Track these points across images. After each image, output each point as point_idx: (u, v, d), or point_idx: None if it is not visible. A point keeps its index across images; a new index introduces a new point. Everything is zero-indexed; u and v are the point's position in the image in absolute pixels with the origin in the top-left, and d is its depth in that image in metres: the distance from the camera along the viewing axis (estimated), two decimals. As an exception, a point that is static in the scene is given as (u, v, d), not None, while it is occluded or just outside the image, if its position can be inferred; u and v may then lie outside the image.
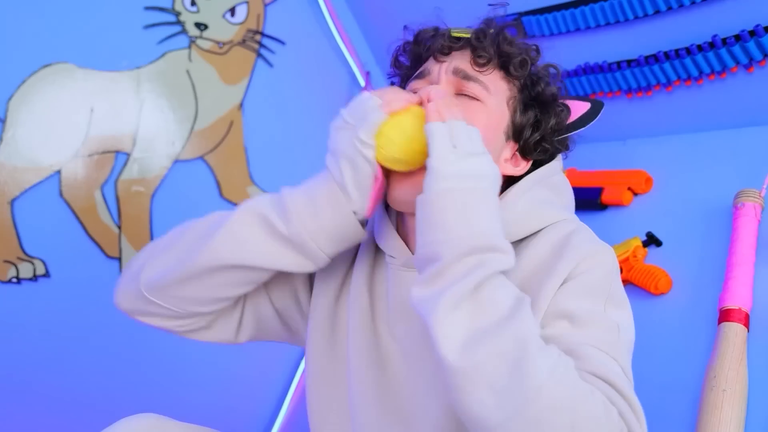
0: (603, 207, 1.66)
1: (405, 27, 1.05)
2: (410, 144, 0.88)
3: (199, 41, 2.05)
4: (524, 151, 1.00)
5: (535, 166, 1.02)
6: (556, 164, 1.03)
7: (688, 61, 1.48)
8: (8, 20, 1.82)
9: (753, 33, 1.36)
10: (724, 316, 1.28)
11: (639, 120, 1.67)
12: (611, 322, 0.86)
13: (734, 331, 1.25)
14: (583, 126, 1.04)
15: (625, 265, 1.49)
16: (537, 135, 0.99)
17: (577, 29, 1.63)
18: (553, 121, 1.00)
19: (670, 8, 1.45)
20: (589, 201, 1.66)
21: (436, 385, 0.93)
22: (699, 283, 1.42)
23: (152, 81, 1.99)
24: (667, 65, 1.52)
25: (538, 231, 0.96)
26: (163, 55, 2.01)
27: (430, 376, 0.94)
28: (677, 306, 1.43)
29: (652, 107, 1.63)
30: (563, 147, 1.04)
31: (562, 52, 1.68)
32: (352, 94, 2.19)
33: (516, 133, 0.99)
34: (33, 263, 1.87)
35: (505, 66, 0.98)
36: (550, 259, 0.91)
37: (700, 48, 1.45)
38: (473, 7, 1.82)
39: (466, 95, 0.97)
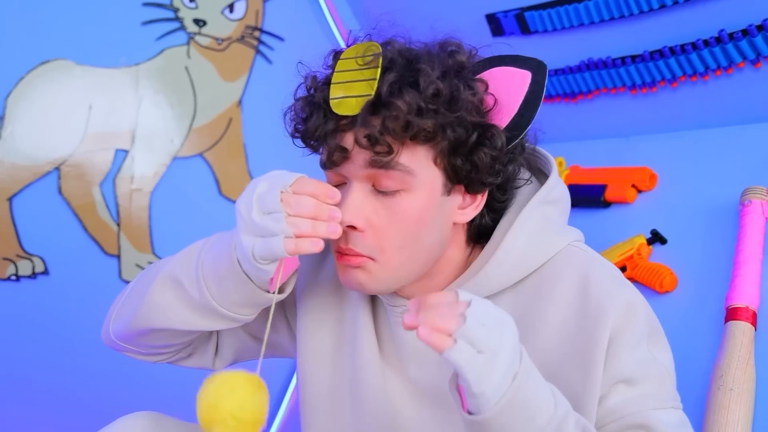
0: (606, 204, 1.66)
1: (299, 62, 0.93)
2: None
3: (197, 38, 2.05)
4: (471, 189, 0.89)
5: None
6: (554, 177, 0.95)
7: (693, 56, 1.46)
8: (6, 16, 1.84)
9: (761, 27, 1.34)
10: (731, 314, 1.27)
11: (643, 116, 1.66)
12: (660, 366, 0.89)
13: (741, 329, 1.24)
14: (530, 120, 0.87)
15: (629, 263, 1.48)
16: (475, 174, 0.86)
17: (581, 24, 1.61)
18: (487, 157, 0.85)
19: (675, 2, 1.43)
20: (592, 198, 1.65)
21: (447, 428, 0.93)
22: (704, 281, 1.40)
23: (151, 78, 2.00)
24: (672, 61, 1.50)
25: (545, 262, 0.92)
26: (161, 51, 2.01)
27: (442, 419, 0.94)
28: (683, 304, 1.41)
29: (656, 103, 1.61)
30: (513, 161, 0.91)
31: (565, 48, 1.69)
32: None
33: (455, 180, 0.87)
34: (32, 261, 1.88)
35: (419, 136, 0.83)
36: (581, 323, 0.87)
37: (706, 43, 1.43)
38: (470, 9, 1.79)
39: (385, 192, 0.85)
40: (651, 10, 1.47)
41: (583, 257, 0.92)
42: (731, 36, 1.39)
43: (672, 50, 1.49)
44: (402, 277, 0.89)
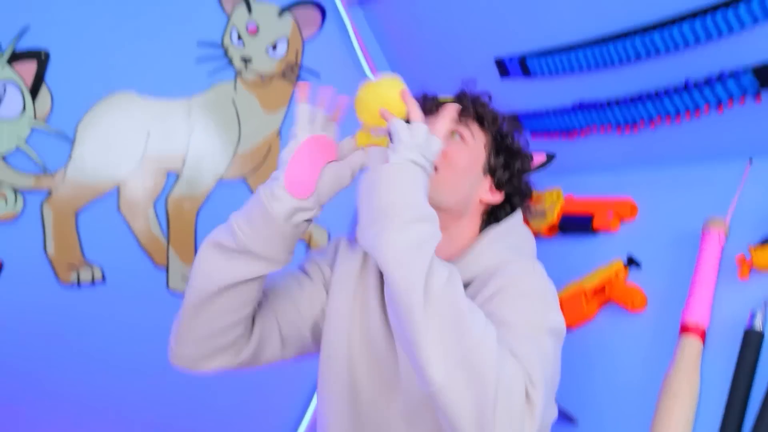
0: (595, 232, 1.78)
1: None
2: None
3: (243, 74, 2.17)
4: (498, 185, 1.27)
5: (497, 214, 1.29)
6: (518, 217, 1.29)
7: (666, 100, 1.57)
8: (80, 54, 1.99)
9: (720, 78, 1.44)
10: (684, 330, 1.40)
11: (628, 152, 1.76)
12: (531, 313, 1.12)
13: (690, 344, 1.36)
14: (538, 169, 1.29)
15: (608, 285, 1.62)
16: (507, 173, 1.27)
17: (572, 70, 1.73)
18: (518, 164, 1.29)
19: (648, 55, 1.54)
20: (582, 226, 1.79)
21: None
22: (669, 301, 1.51)
23: (202, 109, 2.13)
24: (649, 104, 1.61)
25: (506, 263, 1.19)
26: (212, 86, 2.14)
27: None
28: (650, 322, 1.52)
29: (639, 141, 1.72)
30: (526, 189, 1.31)
31: (561, 90, 1.80)
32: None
33: (491, 170, 1.27)
34: (92, 269, 2.01)
35: (480, 120, 1.27)
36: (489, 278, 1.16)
37: (675, 90, 1.54)
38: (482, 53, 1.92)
39: (456, 135, 1.24)
40: (629, 60, 1.59)
41: (523, 261, 1.21)
42: (695, 84, 1.50)
43: (649, 95, 1.61)
44: (446, 195, 1.20)
